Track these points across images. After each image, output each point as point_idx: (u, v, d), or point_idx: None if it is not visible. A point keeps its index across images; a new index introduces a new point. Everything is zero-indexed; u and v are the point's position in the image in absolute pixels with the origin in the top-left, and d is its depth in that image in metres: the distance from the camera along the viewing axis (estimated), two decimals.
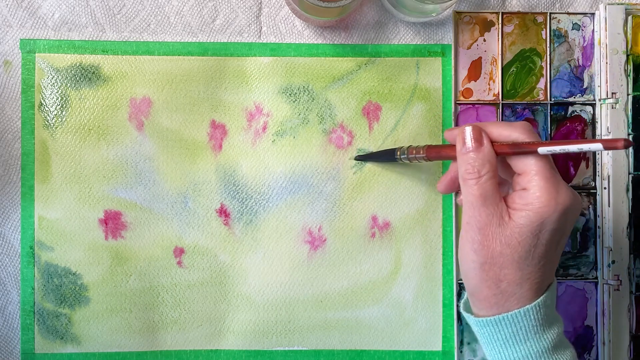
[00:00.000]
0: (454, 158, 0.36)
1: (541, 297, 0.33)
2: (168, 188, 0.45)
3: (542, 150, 0.32)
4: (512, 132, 0.34)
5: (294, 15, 0.45)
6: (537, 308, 0.33)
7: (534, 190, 0.32)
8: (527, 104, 0.45)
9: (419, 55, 0.45)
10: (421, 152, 0.39)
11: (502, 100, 0.45)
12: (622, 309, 0.44)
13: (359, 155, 0.45)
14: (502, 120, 0.45)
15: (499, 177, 0.35)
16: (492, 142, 0.34)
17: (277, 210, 0.45)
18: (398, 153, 0.41)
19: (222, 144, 0.45)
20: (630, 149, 0.45)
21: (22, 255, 0.44)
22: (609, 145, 0.30)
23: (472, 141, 0.34)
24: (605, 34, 0.45)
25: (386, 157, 0.43)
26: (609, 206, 0.45)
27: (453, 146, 0.36)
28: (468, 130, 0.34)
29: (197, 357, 0.45)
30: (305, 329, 0.45)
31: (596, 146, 0.31)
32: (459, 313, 0.45)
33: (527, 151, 0.33)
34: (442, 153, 0.38)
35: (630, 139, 0.45)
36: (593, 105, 0.46)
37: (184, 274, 0.45)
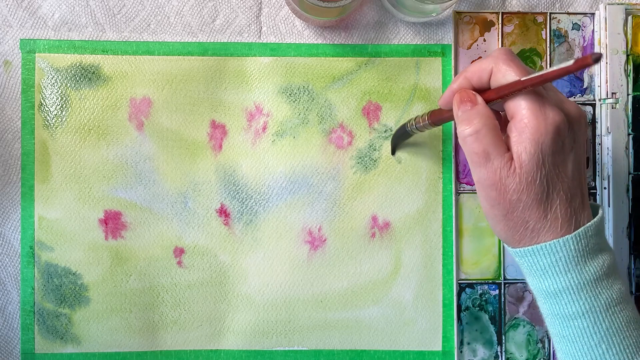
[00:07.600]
0: (453, 119, 0.36)
1: (581, 228, 0.32)
2: (168, 188, 0.45)
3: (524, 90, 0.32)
4: (494, 65, 0.33)
5: (294, 15, 0.45)
6: (577, 239, 0.32)
7: (521, 116, 0.32)
8: None
9: (419, 55, 0.45)
10: (426, 118, 0.39)
11: None
12: None
13: (393, 149, 0.45)
14: None
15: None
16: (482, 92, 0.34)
17: (277, 210, 0.45)
18: (408, 126, 0.41)
19: (222, 144, 0.45)
20: (631, 149, 0.45)
21: (22, 255, 0.44)
22: (580, 64, 0.29)
23: (466, 103, 0.34)
24: (605, 34, 0.45)
25: (402, 134, 0.43)
26: (609, 206, 0.45)
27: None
28: (460, 94, 0.34)
29: (197, 357, 0.45)
30: (305, 329, 0.45)
31: (567, 63, 0.30)
32: (459, 313, 0.45)
33: (514, 92, 0.32)
34: (443, 116, 0.38)
35: (630, 139, 0.45)
36: (593, 105, 0.46)
37: (184, 274, 0.45)
